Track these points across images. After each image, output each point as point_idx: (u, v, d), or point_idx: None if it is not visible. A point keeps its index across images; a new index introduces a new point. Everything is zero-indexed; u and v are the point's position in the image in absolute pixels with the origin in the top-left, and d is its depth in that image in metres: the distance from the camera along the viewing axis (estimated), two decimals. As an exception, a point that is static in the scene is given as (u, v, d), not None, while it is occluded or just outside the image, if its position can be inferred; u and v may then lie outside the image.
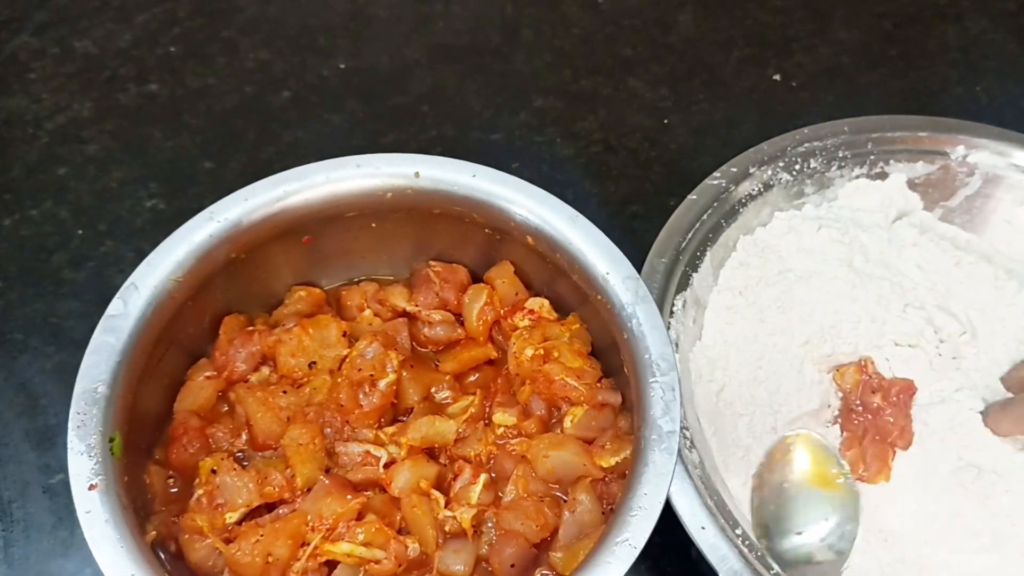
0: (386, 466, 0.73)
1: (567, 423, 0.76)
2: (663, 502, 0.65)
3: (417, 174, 0.79)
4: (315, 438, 0.73)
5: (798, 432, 0.67)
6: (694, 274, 0.81)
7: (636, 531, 0.63)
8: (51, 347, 0.88)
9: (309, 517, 0.70)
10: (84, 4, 1.13)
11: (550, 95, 1.08)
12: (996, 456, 0.77)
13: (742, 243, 0.86)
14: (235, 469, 0.71)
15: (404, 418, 0.77)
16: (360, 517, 0.70)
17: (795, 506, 0.65)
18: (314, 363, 0.77)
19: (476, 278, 0.84)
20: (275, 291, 0.83)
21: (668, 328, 0.76)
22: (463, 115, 1.06)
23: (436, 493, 0.72)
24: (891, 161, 0.89)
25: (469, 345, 0.82)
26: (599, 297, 0.75)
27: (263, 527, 0.69)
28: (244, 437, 0.75)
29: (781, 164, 0.88)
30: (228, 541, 0.69)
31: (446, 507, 0.72)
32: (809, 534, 0.65)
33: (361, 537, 0.69)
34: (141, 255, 0.73)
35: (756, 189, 0.86)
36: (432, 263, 0.84)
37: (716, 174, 0.86)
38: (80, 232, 0.95)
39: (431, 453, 0.75)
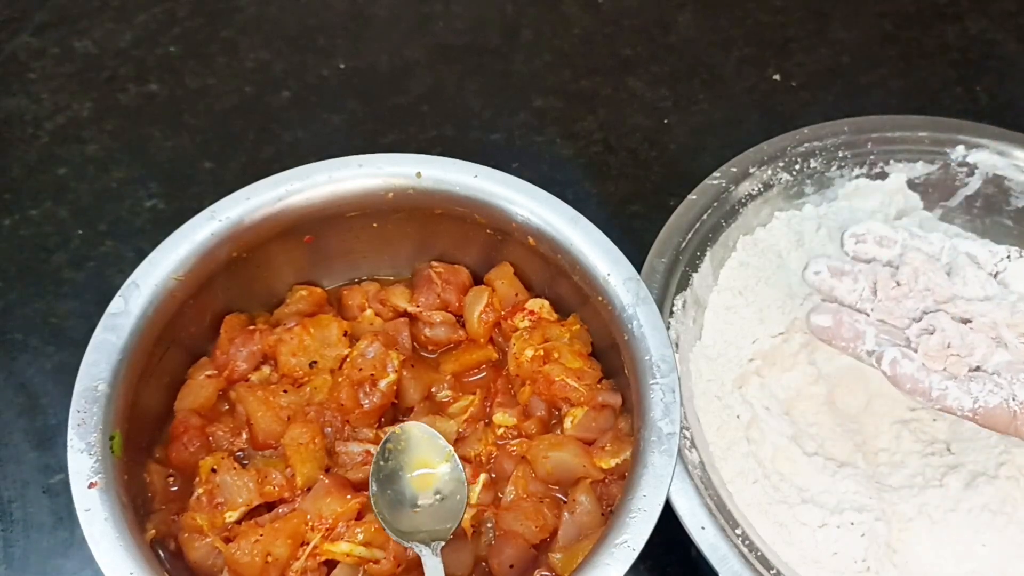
0: (386, 466, 0.73)
1: (567, 424, 0.76)
2: (662, 504, 0.65)
3: (419, 174, 0.79)
4: (315, 437, 0.73)
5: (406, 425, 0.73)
6: (694, 274, 0.81)
7: (635, 533, 0.63)
8: (51, 347, 0.88)
9: (309, 516, 0.70)
10: (84, 4, 1.13)
11: (550, 95, 1.08)
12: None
13: (742, 243, 0.86)
14: (235, 468, 0.71)
15: (405, 418, 0.77)
16: (360, 517, 0.71)
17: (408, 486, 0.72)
18: (315, 362, 0.77)
19: (477, 278, 0.84)
20: (276, 290, 0.83)
21: (668, 328, 0.76)
22: (463, 115, 1.06)
23: (436, 493, 0.72)
24: (891, 161, 0.89)
25: (470, 347, 0.82)
26: (600, 298, 0.75)
27: (263, 526, 0.69)
28: (244, 436, 0.75)
29: (781, 164, 0.88)
30: (228, 540, 0.69)
31: (446, 507, 0.72)
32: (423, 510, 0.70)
33: (360, 537, 0.69)
34: (141, 255, 0.73)
35: (756, 189, 0.86)
36: (434, 264, 0.84)
37: (716, 174, 0.86)
38: (80, 232, 0.95)
39: (431, 453, 0.75)
